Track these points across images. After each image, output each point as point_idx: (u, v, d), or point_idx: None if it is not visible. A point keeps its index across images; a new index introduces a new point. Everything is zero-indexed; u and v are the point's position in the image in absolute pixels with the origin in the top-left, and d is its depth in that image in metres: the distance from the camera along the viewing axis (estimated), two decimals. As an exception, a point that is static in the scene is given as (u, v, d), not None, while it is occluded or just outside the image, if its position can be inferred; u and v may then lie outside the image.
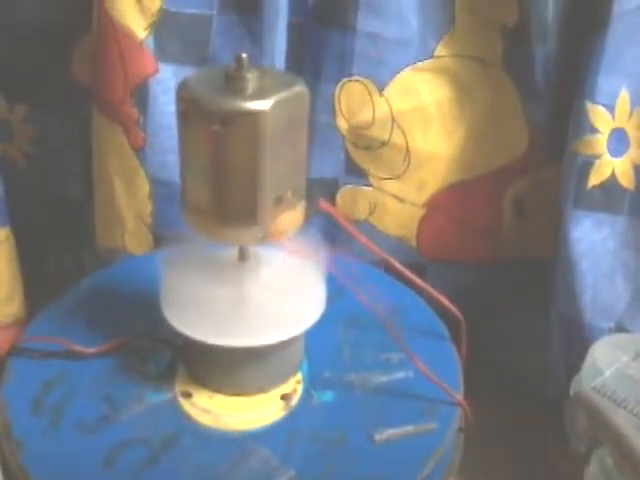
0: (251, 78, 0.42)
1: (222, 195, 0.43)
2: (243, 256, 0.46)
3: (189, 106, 0.42)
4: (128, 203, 0.74)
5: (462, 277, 0.77)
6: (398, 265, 0.51)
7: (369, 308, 0.48)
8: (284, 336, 0.45)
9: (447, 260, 0.77)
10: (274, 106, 0.41)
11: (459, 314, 0.50)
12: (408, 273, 0.51)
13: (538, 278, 0.75)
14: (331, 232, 0.65)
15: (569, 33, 0.64)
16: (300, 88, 0.43)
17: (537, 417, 0.71)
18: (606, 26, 0.60)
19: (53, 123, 0.79)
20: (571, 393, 0.63)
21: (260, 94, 0.41)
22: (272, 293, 0.46)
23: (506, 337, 0.78)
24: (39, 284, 0.84)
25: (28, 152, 0.83)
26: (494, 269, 0.77)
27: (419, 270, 0.76)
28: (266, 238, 0.43)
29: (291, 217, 0.44)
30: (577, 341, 0.69)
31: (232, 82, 0.42)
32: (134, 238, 0.75)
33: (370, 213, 0.75)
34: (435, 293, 0.50)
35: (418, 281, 0.51)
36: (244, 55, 0.42)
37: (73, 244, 0.88)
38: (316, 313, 0.46)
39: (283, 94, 0.41)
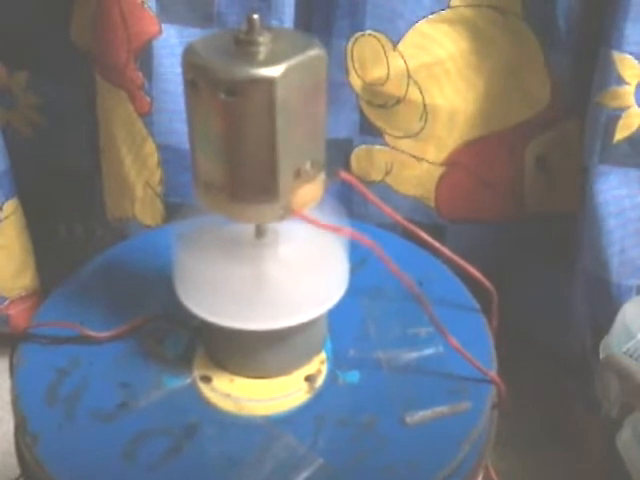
0: (263, 42, 0.38)
1: (236, 170, 0.40)
2: (260, 232, 0.44)
3: (197, 74, 0.39)
4: (136, 171, 0.72)
5: (483, 237, 0.75)
6: (423, 234, 0.48)
7: (394, 279, 0.45)
8: (306, 317, 0.42)
9: (467, 220, 0.75)
10: (287, 72, 0.37)
11: (490, 285, 0.47)
12: (435, 242, 0.48)
13: (561, 235, 0.73)
14: (346, 198, 0.63)
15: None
16: (317, 51, 0.39)
17: (562, 380, 0.70)
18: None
19: (56, 91, 0.78)
20: (601, 356, 0.61)
21: (272, 59, 0.38)
22: (292, 271, 0.43)
23: (528, 297, 0.77)
24: (51, 254, 0.83)
25: (33, 121, 0.81)
26: (515, 227, 0.75)
27: (438, 231, 0.74)
28: (285, 214, 0.41)
29: (311, 190, 0.41)
30: (604, 299, 0.67)
31: (242, 47, 0.38)
32: (144, 207, 0.74)
33: (386, 173, 0.73)
34: (464, 263, 0.47)
35: (445, 250, 0.49)
36: (255, 16, 0.38)
37: (83, 213, 0.87)
38: (339, 290, 0.44)
39: (297, 58, 0.38)
